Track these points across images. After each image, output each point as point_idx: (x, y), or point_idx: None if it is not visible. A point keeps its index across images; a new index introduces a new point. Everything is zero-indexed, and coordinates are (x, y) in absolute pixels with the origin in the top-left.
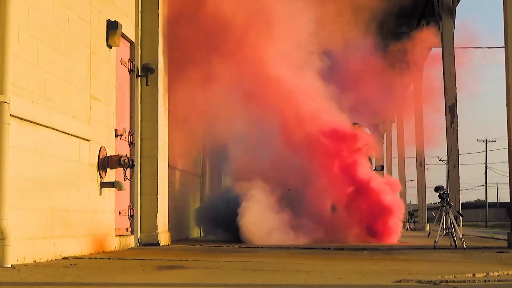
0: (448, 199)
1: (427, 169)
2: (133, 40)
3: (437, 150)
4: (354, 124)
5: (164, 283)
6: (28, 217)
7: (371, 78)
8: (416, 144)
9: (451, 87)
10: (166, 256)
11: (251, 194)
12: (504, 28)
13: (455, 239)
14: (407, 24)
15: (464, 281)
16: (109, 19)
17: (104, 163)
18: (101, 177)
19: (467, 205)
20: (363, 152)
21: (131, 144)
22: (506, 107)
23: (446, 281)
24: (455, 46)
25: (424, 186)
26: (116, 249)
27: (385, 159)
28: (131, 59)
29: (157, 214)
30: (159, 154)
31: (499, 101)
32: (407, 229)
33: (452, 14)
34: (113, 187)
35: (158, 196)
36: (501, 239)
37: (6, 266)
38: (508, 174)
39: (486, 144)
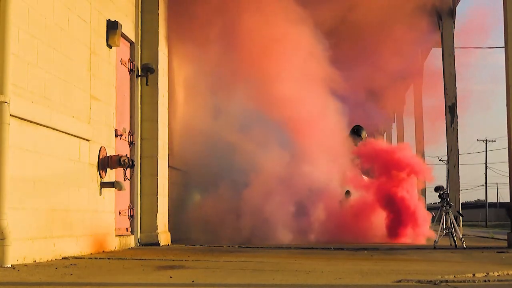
0: (448, 199)
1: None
2: (133, 40)
3: (437, 150)
4: (356, 126)
5: (164, 283)
6: (28, 217)
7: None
8: (416, 144)
9: (451, 87)
10: (166, 256)
11: None
12: (504, 28)
13: (455, 239)
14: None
15: (464, 281)
16: (109, 19)
17: (104, 163)
18: (101, 177)
19: (467, 205)
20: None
21: (131, 144)
22: (506, 107)
23: (446, 281)
24: (455, 46)
25: (424, 186)
26: (116, 249)
27: None
28: (131, 59)
29: (157, 214)
30: (159, 154)
31: (499, 101)
32: None
33: (452, 14)
34: (113, 187)
35: (158, 196)
36: (501, 239)
37: (6, 266)
38: (508, 174)
39: (486, 144)
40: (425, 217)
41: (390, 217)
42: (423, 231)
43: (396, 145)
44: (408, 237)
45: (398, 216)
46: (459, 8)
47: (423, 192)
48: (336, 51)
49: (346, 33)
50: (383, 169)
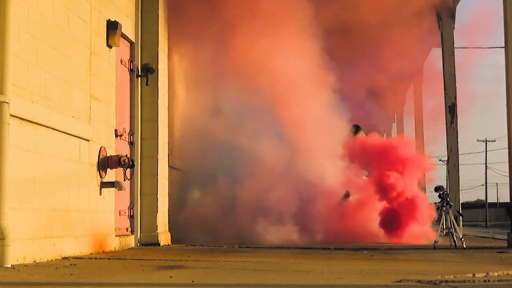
0: (448, 199)
1: (427, 171)
2: (133, 40)
3: (437, 150)
4: (355, 126)
5: (164, 283)
6: (28, 217)
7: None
8: (416, 144)
9: (451, 87)
10: (166, 256)
11: None
12: (504, 28)
13: (455, 239)
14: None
15: (464, 281)
16: (109, 19)
17: (104, 163)
18: (101, 177)
19: (467, 205)
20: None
21: (131, 144)
22: (506, 107)
23: (446, 281)
24: (455, 46)
25: (424, 186)
26: (116, 249)
27: None
28: (131, 59)
29: (157, 214)
30: (159, 154)
31: (499, 101)
32: None
33: (452, 14)
34: (113, 187)
35: (158, 196)
36: (501, 239)
37: (6, 266)
38: (508, 174)
39: (486, 144)
40: (426, 210)
41: (386, 208)
42: (423, 224)
43: (390, 138)
44: (407, 230)
45: (394, 205)
46: (461, 8)
47: (423, 191)
48: (337, 51)
49: (347, 33)
50: (376, 163)
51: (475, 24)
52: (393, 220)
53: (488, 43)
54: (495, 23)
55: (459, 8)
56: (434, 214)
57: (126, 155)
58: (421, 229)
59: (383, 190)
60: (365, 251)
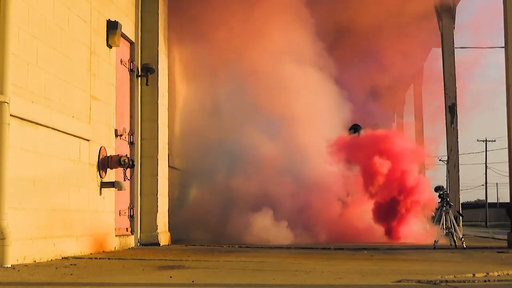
0: (448, 199)
1: (427, 169)
2: (133, 40)
3: (437, 150)
4: (354, 125)
5: (164, 283)
6: (28, 217)
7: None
8: (416, 144)
9: (451, 87)
10: (166, 256)
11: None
12: (504, 28)
13: (455, 239)
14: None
15: (464, 281)
16: (109, 19)
17: (104, 163)
18: (101, 177)
19: (467, 205)
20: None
21: (131, 144)
22: (506, 107)
23: (446, 281)
24: (455, 46)
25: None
26: (116, 249)
27: None
28: (131, 59)
29: (157, 214)
30: (159, 154)
31: (499, 101)
32: None
33: (452, 14)
34: (113, 187)
35: (158, 196)
36: (501, 239)
37: (6, 266)
38: (508, 174)
39: (486, 144)
40: (423, 201)
41: (378, 202)
42: (421, 217)
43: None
44: (404, 223)
45: (386, 197)
46: (462, 8)
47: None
48: (337, 51)
49: (347, 33)
50: (367, 155)
51: (477, 23)
52: (386, 212)
53: (490, 43)
54: (496, 23)
55: (459, 8)
56: (433, 205)
57: (126, 155)
58: (419, 222)
59: (370, 176)
60: (365, 251)
